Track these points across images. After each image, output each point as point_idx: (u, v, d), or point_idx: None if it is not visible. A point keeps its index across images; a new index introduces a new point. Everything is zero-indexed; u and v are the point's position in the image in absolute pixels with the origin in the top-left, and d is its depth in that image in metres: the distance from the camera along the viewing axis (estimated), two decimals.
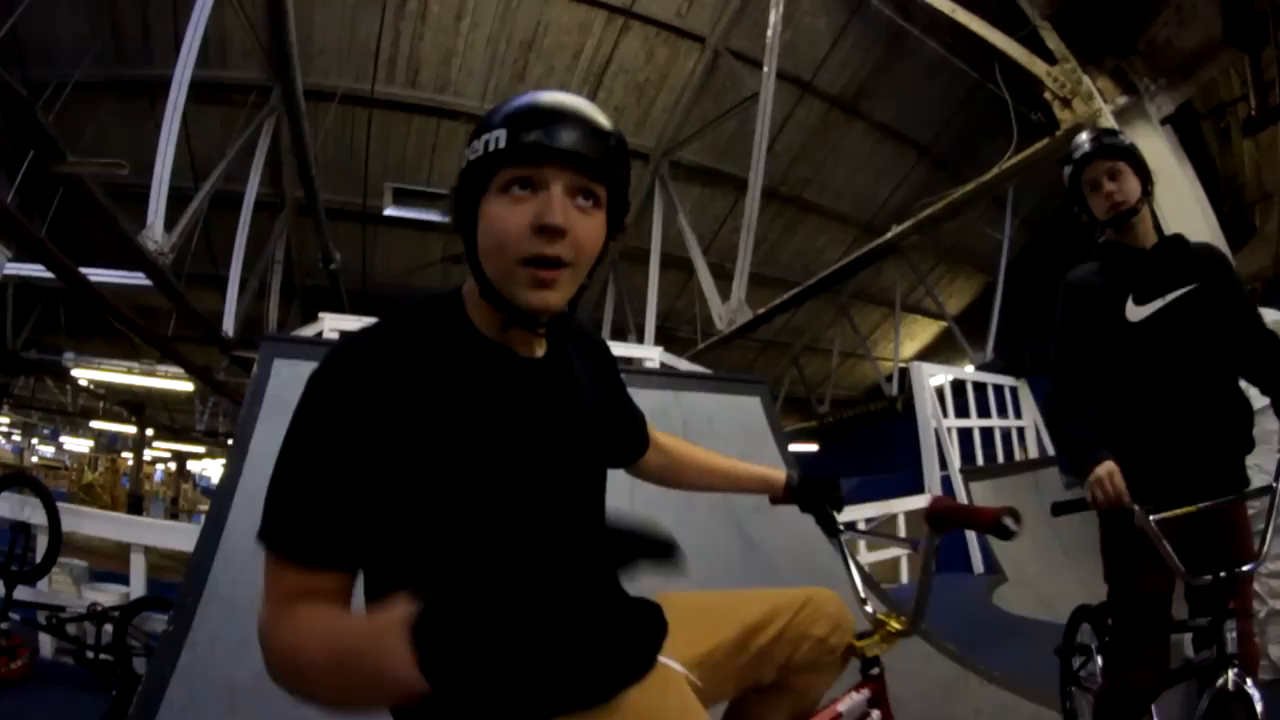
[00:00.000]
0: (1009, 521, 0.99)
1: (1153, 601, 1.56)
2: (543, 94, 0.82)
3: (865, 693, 1.12)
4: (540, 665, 0.60)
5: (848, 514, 3.65)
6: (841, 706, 1.09)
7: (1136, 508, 1.41)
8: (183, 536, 3.20)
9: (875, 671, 1.13)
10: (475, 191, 0.81)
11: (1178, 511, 1.41)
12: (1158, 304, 1.65)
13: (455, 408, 0.79)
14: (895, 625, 1.11)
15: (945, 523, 1.11)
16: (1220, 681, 1.36)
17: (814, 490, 1.25)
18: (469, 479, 0.79)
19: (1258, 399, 1.65)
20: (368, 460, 0.73)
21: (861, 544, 5.32)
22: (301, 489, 0.73)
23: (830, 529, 1.26)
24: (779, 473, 1.29)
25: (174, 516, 14.61)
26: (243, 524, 2.53)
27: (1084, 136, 1.74)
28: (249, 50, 5.66)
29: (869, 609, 1.15)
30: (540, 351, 0.91)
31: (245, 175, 6.31)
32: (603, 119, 0.82)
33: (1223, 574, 1.39)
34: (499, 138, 0.77)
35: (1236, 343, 1.65)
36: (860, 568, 1.26)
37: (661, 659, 0.94)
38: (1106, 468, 1.50)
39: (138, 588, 3.12)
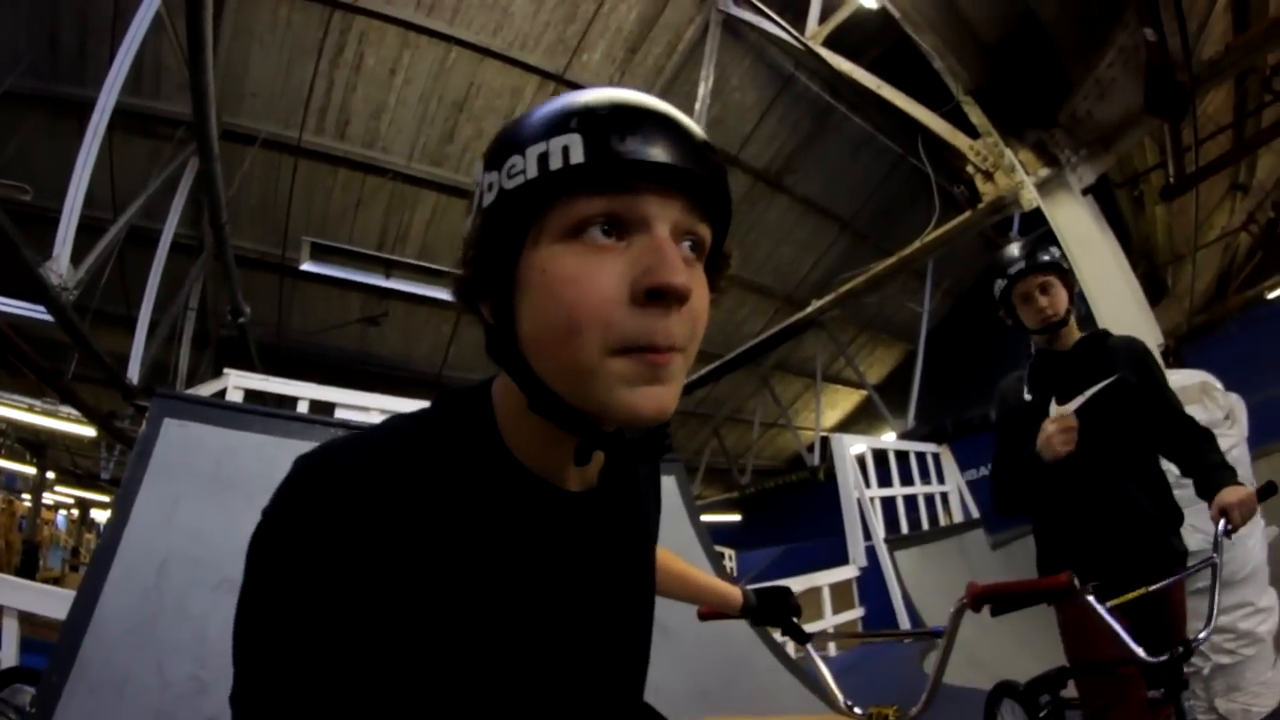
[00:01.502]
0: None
1: (1118, 666, 1.61)
2: (605, 89, 0.53)
3: None
4: None
5: None
6: None
7: (1091, 597, 1.42)
8: (59, 602, 2.93)
9: None
10: (510, 243, 0.52)
11: (1129, 596, 1.45)
12: (1078, 401, 1.74)
13: (478, 587, 0.53)
14: (893, 717, 1.11)
15: (999, 604, 1.20)
16: None
17: (772, 604, 1.21)
18: (489, 683, 0.55)
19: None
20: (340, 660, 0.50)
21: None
22: (270, 668, 0.50)
23: (799, 637, 1.23)
24: (735, 590, 1.23)
25: (75, 568, 13.59)
26: (120, 598, 2.32)
27: (1015, 251, 1.84)
28: (183, 83, 5.40)
29: (857, 710, 1.14)
30: (595, 474, 0.63)
31: (167, 213, 6.05)
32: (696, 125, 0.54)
33: (1180, 649, 1.41)
34: (568, 147, 0.48)
35: (1154, 426, 1.78)
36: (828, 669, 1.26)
37: None
38: (1046, 429, 1.62)
39: (8, 656, 2.76)
